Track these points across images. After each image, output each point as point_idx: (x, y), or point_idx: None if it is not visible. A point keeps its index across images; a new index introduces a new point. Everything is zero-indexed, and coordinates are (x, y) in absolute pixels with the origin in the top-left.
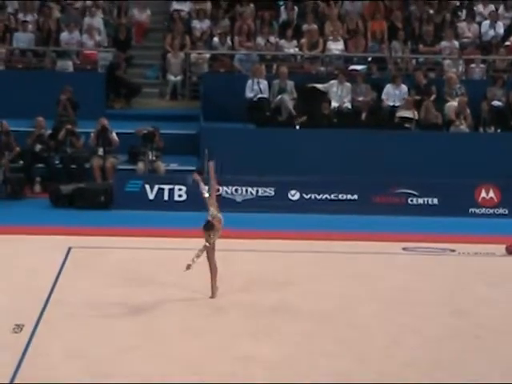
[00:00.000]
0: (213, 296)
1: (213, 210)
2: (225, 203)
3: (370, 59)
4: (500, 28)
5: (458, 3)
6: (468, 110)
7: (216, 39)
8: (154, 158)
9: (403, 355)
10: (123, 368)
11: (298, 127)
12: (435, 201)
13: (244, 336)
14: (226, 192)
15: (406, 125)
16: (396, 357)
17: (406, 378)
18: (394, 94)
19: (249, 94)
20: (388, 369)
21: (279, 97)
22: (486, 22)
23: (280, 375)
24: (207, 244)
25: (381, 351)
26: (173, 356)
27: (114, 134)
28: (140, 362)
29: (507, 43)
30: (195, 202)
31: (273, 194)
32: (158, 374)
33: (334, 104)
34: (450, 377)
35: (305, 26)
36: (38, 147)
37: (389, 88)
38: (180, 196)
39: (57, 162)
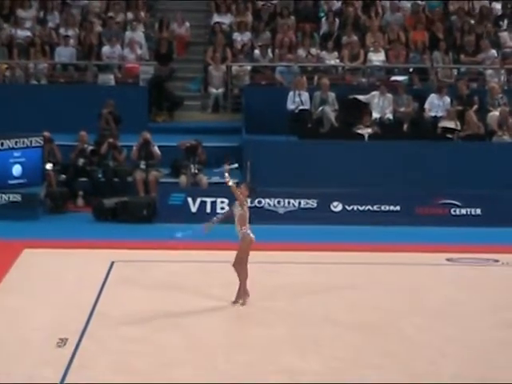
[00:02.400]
0: (244, 303)
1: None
2: (267, 215)
3: (411, 70)
4: None
5: (499, 13)
6: (511, 120)
7: (257, 51)
8: (196, 171)
9: (450, 368)
10: (170, 382)
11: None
12: (478, 211)
13: (290, 349)
14: (269, 204)
15: (449, 135)
16: (443, 370)
17: None
18: (437, 105)
19: (290, 106)
20: (435, 382)
21: (321, 108)
22: None
23: None
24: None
25: (428, 364)
26: (219, 369)
27: (156, 148)
28: (185, 377)
29: None
30: None
31: (315, 205)
32: None
33: (376, 115)
34: None
35: (345, 38)
36: (81, 161)
37: (432, 98)
38: (222, 209)
39: (99, 175)
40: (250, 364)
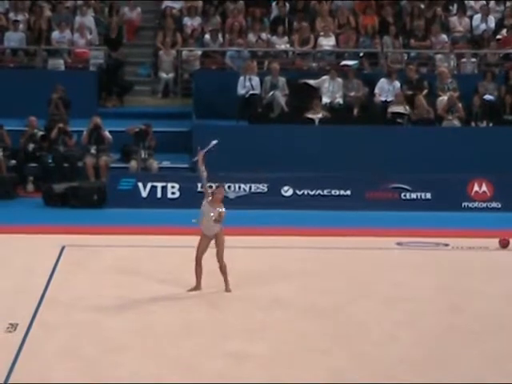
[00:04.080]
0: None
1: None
2: None
3: (361, 54)
4: (491, 22)
5: None
6: (460, 105)
7: (207, 36)
8: (146, 156)
9: (399, 352)
10: (117, 368)
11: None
12: (428, 195)
13: (238, 333)
14: None
15: (398, 120)
16: (392, 353)
17: (401, 374)
18: (387, 90)
19: (240, 91)
20: (383, 366)
21: (271, 93)
22: (477, 16)
23: (274, 373)
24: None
25: (376, 348)
26: (167, 354)
27: (107, 132)
28: (134, 362)
29: (498, 37)
30: (188, 199)
31: (266, 190)
32: (151, 374)
33: (326, 100)
34: (445, 373)
35: (295, 23)
36: (31, 146)
37: (382, 83)
38: (173, 193)
39: (49, 161)
40: (198, 348)
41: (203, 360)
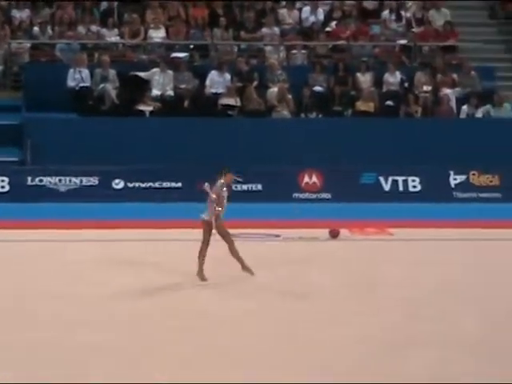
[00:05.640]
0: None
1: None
2: (48, 193)
3: (191, 46)
4: (320, 14)
5: None
6: (289, 96)
7: (36, 28)
8: None
9: (224, 341)
10: None
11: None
12: (259, 187)
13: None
14: (50, 182)
15: (229, 112)
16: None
17: None
18: (217, 82)
19: (71, 84)
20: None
21: (102, 86)
22: (307, 9)
23: None
24: None
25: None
26: None
27: None
28: None
29: (327, 29)
30: (18, 193)
31: (97, 183)
32: None
33: (157, 92)
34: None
35: (126, 15)
36: None
37: (213, 75)
38: (3, 187)
39: None
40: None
41: None
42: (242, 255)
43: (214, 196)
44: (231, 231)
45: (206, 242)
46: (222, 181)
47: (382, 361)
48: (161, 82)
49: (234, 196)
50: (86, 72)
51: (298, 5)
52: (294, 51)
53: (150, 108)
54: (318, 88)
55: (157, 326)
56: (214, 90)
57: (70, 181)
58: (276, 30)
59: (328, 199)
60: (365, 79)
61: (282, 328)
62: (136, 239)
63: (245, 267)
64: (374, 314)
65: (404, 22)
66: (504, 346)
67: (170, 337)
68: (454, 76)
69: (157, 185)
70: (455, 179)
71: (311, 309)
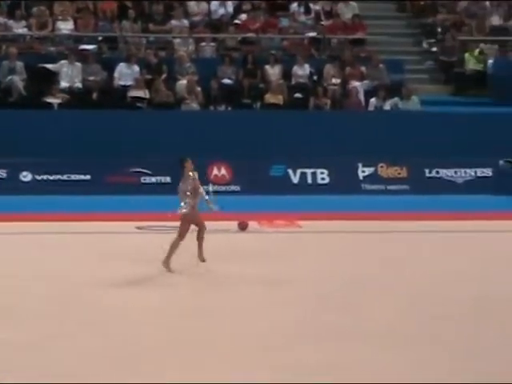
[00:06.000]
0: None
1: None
2: None
3: (100, 39)
4: (229, 6)
5: None
6: (198, 88)
7: None
8: None
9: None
10: None
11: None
12: (168, 179)
13: None
14: None
15: (138, 104)
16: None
17: None
18: (126, 74)
19: None
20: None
21: (9, 78)
22: (216, 1)
23: None
24: None
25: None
26: None
27: None
28: None
29: (236, 21)
30: None
31: (4, 176)
32: None
33: (65, 84)
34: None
35: (34, 7)
36: None
37: (122, 67)
38: None
39: None
40: None
41: None
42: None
43: (188, 192)
44: (140, 224)
45: (181, 236)
46: (190, 173)
47: (286, 354)
48: (69, 74)
49: (143, 189)
50: None
51: None
52: (203, 44)
53: (59, 100)
54: (226, 80)
55: None
56: (122, 83)
57: None
58: (185, 22)
59: (237, 191)
60: (273, 72)
61: (189, 322)
62: (45, 232)
63: (201, 255)
64: (281, 307)
65: (313, 14)
66: (409, 336)
67: None
68: (363, 69)
69: (65, 177)
70: (363, 171)
71: (219, 300)
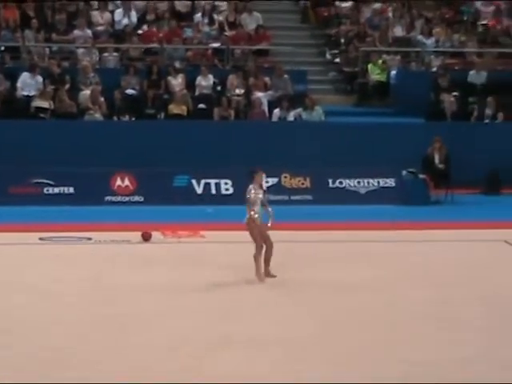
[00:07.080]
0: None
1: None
2: None
3: (2, 48)
4: (133, 16)
5: None
6: (102, 99)
7: None
8: None
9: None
10: None
11: None
12: (71, 190)
13: None
14: None
15: (42, 114)
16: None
17: None
18: (29, 84)
19: None
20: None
21: None
22: (119, 11)
23: None
24: None
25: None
26: None
27: None
28: None
29: (140, 32)
30: None
31: None
32: None
33: None
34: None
35: None
36: None
37: (25, 77)
38: None
39: None
40: None
41: None
42: (55, 258)
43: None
44: (44, 234)
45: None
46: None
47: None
48: None
49: (46, 200)
50: None
51: (110, 7)
52: (107, 54)
53: None
54: (130, 91)
55: None
56: (25, 93)
57: None
58: (88, 32)
59: (141, 202)
60: (177, 82)
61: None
62: None
63: (259, 273)
64: (186, 315)
65: (217, 25)
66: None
67: None
68: (267, 79)
69: None
70: (267, 182)
71: (119, 312)
